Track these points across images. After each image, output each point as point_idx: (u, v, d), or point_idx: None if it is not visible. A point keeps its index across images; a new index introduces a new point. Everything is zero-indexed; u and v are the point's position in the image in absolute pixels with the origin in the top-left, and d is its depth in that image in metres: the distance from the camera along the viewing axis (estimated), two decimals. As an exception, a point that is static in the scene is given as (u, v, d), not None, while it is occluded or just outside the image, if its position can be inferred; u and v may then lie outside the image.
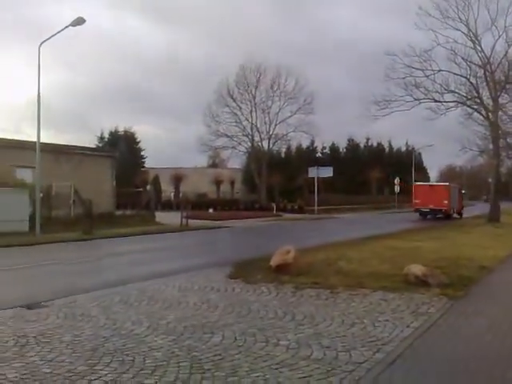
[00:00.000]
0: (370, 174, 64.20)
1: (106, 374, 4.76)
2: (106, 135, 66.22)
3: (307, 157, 65.65)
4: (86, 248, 17.80)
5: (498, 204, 33.90)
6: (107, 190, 29.73)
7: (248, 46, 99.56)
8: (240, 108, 55.80)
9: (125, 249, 17.50)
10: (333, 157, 70.47)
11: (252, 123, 55.88)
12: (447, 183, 43.97)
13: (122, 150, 49.76)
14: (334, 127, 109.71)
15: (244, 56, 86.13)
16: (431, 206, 37.46)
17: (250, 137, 56.37)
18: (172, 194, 59.58)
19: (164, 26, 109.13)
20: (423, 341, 5.93)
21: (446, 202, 37.82)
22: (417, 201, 38.70)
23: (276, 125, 55.99)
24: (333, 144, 74.53)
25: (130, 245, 18.84)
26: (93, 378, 4.65)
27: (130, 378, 4.68)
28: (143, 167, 66.77)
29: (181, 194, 54.95)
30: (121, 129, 67.16)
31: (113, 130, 66.65)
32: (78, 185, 25.98)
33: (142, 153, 69.23)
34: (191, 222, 28.27)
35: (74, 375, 4.74)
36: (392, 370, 4.91)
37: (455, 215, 39.91)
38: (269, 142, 56.84)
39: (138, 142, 68.11)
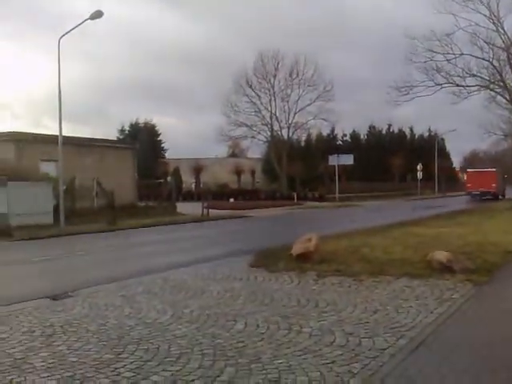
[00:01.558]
0: (392, 161, 63.50)
1: (132, 362, 4.83)
2: (127, 127, 66.69)
3: (328, 145, 65.12)
4: (109, 239, 18.03)
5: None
6: (129, 182, 30.00)
7: (265, 34, 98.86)
8: (259, 97, 55.59)
9: (147, 239, 17.68)
10: (354, 144, 69.75)
11: (271, 112, 55.67)
12: (494, 169, 47.44)
13: (142, 141, 50.11)
14: (354, 114, 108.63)
15: (262, 44, 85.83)
16: (482, 189, 42.87)
17: (269, 126, 56.19)
18: (193, 185, 59.96)
19: (180, 15, 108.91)
20: (447, 327, 5.88)
21: (494, 185, 43.80)
22: (469, 185, 45.56)
23: (295, 113, 55.68)
24: (353, 131, 73.74)
25: (153, 235, 19.04)
26: (118, 366, 4.73)
27: (155, 365, 4.74)
28: (164, 158, 67.14)
29: (201, 185, 55.24)
30: (141, 121, 67.57)
31: (133, 122, 67.07)
32: (100, 177, 26.28)
33: (163, 144, 69.59)
34: (212, 212, 28.41)
35: (100, 363, 4.82)
36: (415, 356, 4.88)
37: (500, 197, 44.89)
38: (288, 131, 56.61)
39: (159, 134, 68.46)
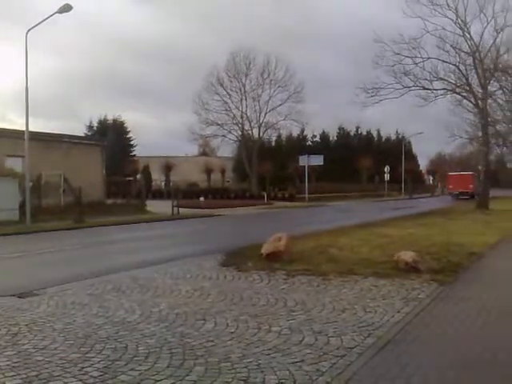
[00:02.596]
0: (361, 163, 64.32)
1: (99, 361, 4.78)
2: (95, 124, 65.81)
3: (298, 145, 65.56)
4: (76, 236, 17.73)
5: (488, 191, 34.15)
6: (97, 179, 29.57)
7: (238, 33, 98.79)
8: (230, 96, 55.65)
9: (116, 237, 17.48)
10: (323, 145, 70.41)
11: (242, 111, 55.77)
12: (471, 172, 53.72)
13: (111, 138, 49.50)
14: (324, 114, 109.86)
15: (234, 43, 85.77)
16: (460, 190, 49.36)
17: (240, 125, 56.28)
18: (162, 183, 59.53)
19: (154, 11, 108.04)
20: (413, 326, 5.99)
21: (471, 186, 50.62)
22: (450, 186, 54.34)
23: (266, 113, 55.95)
24: (323, 132, 74.51)
25: (121, 233, 18.82)
26: (85, 366, 4.67)
27: (123, 364, 4.70)
28: (133, 156, 66.44)
29: (171, 183, 54.86)
30: (110, 117, 66.76)
31: (102, 119, 66.25)
32: (67, 174, 25.85)
33: (132, 141, 68.87)
34: (182, 210, 28.27)
35: (67, 362, 4.75)
36: (383, 355, 4.96)
37: (476, 196, 48.97)
38: (259, 131, 56.80)
39: (128, 131, 67.73)
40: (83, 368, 4.61)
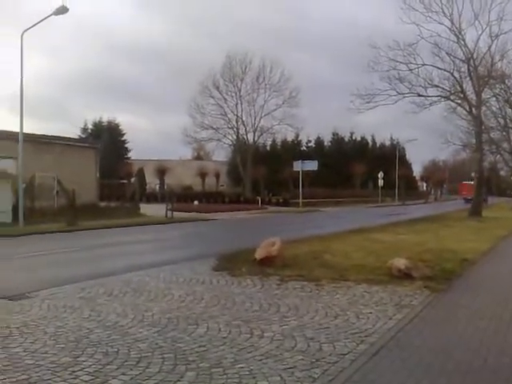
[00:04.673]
0: (355, 168, 64.44)
1: (90, 366, 4.75)
2: (90, 126, 65.62)
3: (292, 150, 65.59)
4: (69, 239, 17.66)
5: (481, 198, 34.31)
6: (91, 182, 29.46)
7: (234, 37, 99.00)
8: (225, 100, 55.67)
9: (109, 240, 17.41)
10: (318, 150, 70.42)
11: (237, 115, 55.81)
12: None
13: (105, 141, 49.33)
14: (320, 119, 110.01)
15: (230, 47, 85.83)
16: (470, 196, 51.01)
17: (235, 129, 56.30)
18: (157, 186, 59.42)
19: (150, 15, 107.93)
20: (406, 333, 6.00)
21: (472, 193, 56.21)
22: (463, 192, 66.55)
23: (261, 117, 56.01)
24: (318, 137, 74.55)
25: (114, 237, 18.75)
26: (76, 369, 4.64)
27: (114, 369, 4.67)
28: (127, 159, 66.30)
29: (165, 187, 54.76)
30: (105, 120, 66.61)
31: (96, 121, 66.06)
32: (60, 176, 25.74)
33: (127, 144, 68.70)
34: (176, 214, 28.20)
35: (58, 366, 4.72)
36: (375, 361, 4.96)
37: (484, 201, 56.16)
38: (254, 135, 56.86)
39: (123, 134, 67.57)
40: (74, 372, 4.58)
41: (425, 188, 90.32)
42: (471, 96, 33.13)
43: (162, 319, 6.45)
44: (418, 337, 5.86)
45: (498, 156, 54.54)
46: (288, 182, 54.46)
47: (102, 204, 30.37)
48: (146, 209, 30.80)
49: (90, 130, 64.73)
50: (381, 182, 61.52)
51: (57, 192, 25.78)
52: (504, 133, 49.63)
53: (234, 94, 55.61)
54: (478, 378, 4.55)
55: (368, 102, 32.28)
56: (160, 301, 7.52)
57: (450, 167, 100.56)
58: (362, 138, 77.85)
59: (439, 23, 31.41)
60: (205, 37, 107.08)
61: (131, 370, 4.67)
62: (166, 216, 27.47)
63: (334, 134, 75.75)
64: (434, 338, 5.84)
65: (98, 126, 65.44)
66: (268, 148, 67.56)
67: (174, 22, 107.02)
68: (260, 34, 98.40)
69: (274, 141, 66.49)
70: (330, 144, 75.53)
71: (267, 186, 55.29)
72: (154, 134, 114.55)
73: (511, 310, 7.23)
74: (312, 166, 48.57)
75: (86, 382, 4.37)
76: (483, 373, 4.65)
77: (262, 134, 57.91)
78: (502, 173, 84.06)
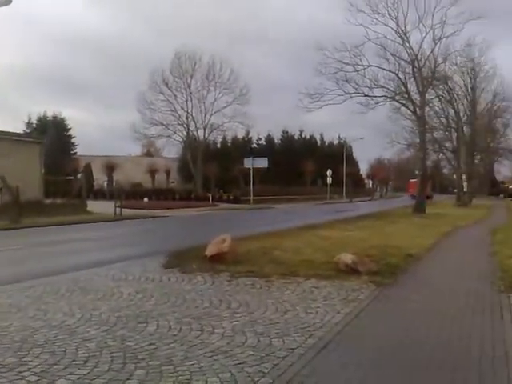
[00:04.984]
0: (304, 166, 65.31)
1: (36, 366, 4.63)
2: (34, 121, 63.56)
3: (243, 147, 65.77)
4: (13, 237, 17.10)
5: (425, 195, 35.51)
6: (35, 178, 28.59)
7: (186, 34, 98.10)
8: (175, 96, 55.17)
9: (55, 238, 16.96)
10: (268, 148, 70.91)
11: (187, 112, 55.46)
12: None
13: (51, 136, 47.94)
14: (270, 117, 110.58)
15: (181, 43, 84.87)
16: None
17: (185, 126, 55.93)
18: (105, 183, 58.24)
19: (96, 9, 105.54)
20: (353, 326, 6.16)
21: (427, 189, 58.10)
22: (410, 190, 66.26)
23: (212, 115, 55.85)
24: (268, 135, 75.14)
25: (61, 234, 18.28)
26: (22, 370, 4.52)
27: (61, 369, 4.58)
28: (74, 155, 64.64)
29: (114, 183, 53.73)
30: (50, 114, 64.67)
31: (41, 116, 64.06)
32: (3, 172, 24.80)
33: (73, 140, 67.01)
34: (125, 211, 27.76)
35: (3, 367, 4.58)
36: (323, 355, 5.07)
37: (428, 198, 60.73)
38: (204, 132, 56.64)
39: (69, 129, 65.86)
40: (20, 373, 4.46)
41: (371, 185, 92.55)
42: (415, 96, 34.25)
43: (110, 318, 6.36)
44: (365, 330, 6.03)
45: (441, 155, 56.77)
46: (239, 179, 54.63)
47: (48, 201, 29.54)
48: (94, 206, 30.15)
49: (34, 125, 62.73)
50: (329, 180, 62.69)
51: (0, 189, 24.84)
52: (446, 132, 51.74)
53: (183, 91, 55.25)
54: (424, 370, 4.72)
55: (316, 101, 32.80)
56: (109, 299, 7.41)
57: (395, 166, 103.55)
58: (311, 137, 79.08)
59: (385, 25, 32.35)
60: (156, 33, 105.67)
61: (79, 369, 4.59)
62: (115, 213, 26.99)
63: (284, 132, 76.59)
64: (380, 331, 6.03)
65: (42, 120, 63.50)
66: (219, 145, 67.49)
67: (125, 17, 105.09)
68: (212, 33, 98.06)
69: (224, 138, 66.52)
70: (280, 142, 76.22)
71: (218, 183, 55.25)
72: (102, 130, 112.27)
73: (455, 303, 7.54)
74: (262, 163, 48.95)
75: (32, 382, 4.27)
76: (429, 366, 4.83)
77: (212, 131, 57.80)
78: (445, 171, 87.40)
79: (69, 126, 65.84)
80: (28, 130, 59.55)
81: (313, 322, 6.27)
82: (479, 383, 4.42)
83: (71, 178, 40.37)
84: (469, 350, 5.30)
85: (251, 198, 46.44)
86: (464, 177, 53.72)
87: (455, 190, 61.60)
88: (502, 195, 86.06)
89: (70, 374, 4.47)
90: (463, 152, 51.01)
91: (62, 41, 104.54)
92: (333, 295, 7.79)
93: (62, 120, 65.31)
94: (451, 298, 7.90)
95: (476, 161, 57.74)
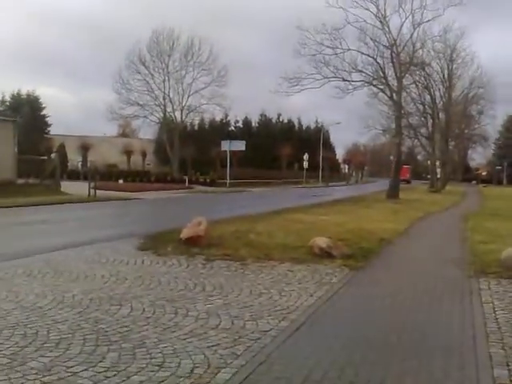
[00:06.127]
0: (281, 150, 65.37)
1: (7, 348, 4.59)
2: (8, 98, 62.15)
3: (220, 130, 65.48)
4: (-17, 218, 16.78)
5: (398, 181, 35.92)
6: (7, 157, 28.06)
7: (162, 9, 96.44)
8: (152, 76, 54.36)
9: (27, 219, 16.71)
10: (245, 131, 70.75)
11: (164, 93, 54.71)
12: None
13: (25, 114, 46.96)
14: (248, 99, 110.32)
15: (158, 20, 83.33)
16: (402, 178, 55.12)
17: (162, 107, 55.21)
18: (79, 164, 57.43)
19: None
20: (326, 309, 6.25)
21: (408, 175, 77.20)
22: (402, 175, 68.32)
23: (189, 96, 55.24)
24: (246, 118, 74.86)
25: (33, 215, 18.01)
26: (-8, 353, 4.48)
27: (32, 351, 4.55)
28: (48, 134, 63.49)
29: (89, 164, 53.03)
30: (24, 92, 63.28)
31: (15, 93, 62.66)
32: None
33: (47, 119, 65.80)
34: (100, 192, 27.47)
35: (-28, 350, 4.53)
36: (296, 337, 5.15)
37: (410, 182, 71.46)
38: (181, 113, 56.03)
39: (43, 107, 64.60)
40: (-11, 356, 4.42)
41: (347, 170, 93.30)
42: (393, 82, 34.46)
43: (83, 300, 6.32)
44: (338, 313, 6.13)
45: (416, 141, 57.36)
46: (216, 161, 54.39)
47: (20, 181, 29.04)
48: (68, 187, 29.76)
49: (7, 103, 61.32)
50: (306, 164, 62.89)
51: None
52: (422, 118, 52.23)
53: (161, 71, 54.45)
54: (393, 354, 4.82)
55: (295, 86, 32.73)
56: (82, 281, 7.35)
57: (371, 151, 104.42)
58: (289, 121, 79.01)
59: (365, 9, 32.27)
60: (135, 9, 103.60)
61: (51, 351, 4.56)
62: (89, 194, 26.68)
63: (261, 116, 76.37)
64: (353, 313, 6.14)
65: (16, 98, 62.13)
66: (196, 127, 67.03)
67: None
68: (192, 11, 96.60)
69: (202, 120, 66.08)
70: (257, 125, 76.02)
71: (195, 166, 54.92)
72: (77, 109, 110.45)
73: (425, 286, 7.70)
74: (240, 146, 48.83)
75: (3, 365, 4.22)
76: (398, 349, 4.94)
77: (189, 113, 57.23)
78: (419, 157, 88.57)
79: (43, 105, 64.67)
80: (1, 108, 58.25)
81: (286, 304, 6.34)
82: (445, 366, 4.54)
83: (45, 157, 39.65)
84: (437, 333, 5.42)
85: (227, 181, 46.38)
86: (438, 163, 54.48)
87: (429, 176, 62.35)
88: (474, 181, 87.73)
89: (42, 356, 4.45)
90: (438, 138, 51.67)
91: (37, 16, 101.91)
92: (307, 278, 7.87)
93: (36, 98, 64.08)
94: (422, 281, 8.05)
95: (450, 147, 58.51)
